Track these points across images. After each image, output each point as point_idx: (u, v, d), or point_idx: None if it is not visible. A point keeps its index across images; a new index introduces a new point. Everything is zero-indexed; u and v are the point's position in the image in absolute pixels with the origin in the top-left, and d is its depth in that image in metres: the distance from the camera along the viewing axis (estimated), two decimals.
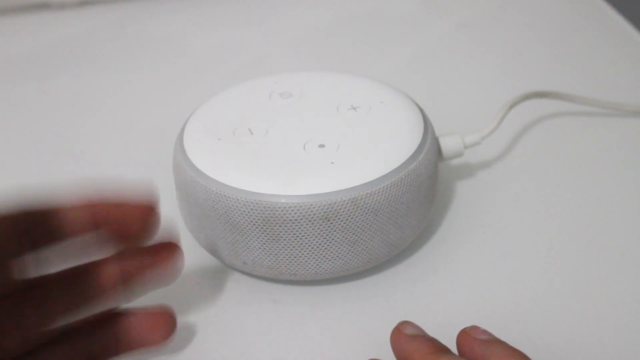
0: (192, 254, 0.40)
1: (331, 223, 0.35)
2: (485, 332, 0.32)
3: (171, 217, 0.42)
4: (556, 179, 0.45)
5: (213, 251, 0.38)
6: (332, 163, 0.36)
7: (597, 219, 0.42)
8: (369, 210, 0.36)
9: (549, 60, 0.57)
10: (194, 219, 0.38)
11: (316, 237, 0.36)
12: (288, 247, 0.36)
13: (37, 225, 0.29)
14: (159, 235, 0.42)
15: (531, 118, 0.50)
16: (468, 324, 0.36)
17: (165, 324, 0.34)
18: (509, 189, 0.44)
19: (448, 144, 0.42)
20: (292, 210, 0.35)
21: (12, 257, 0.29)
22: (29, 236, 0.29)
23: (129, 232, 0.31)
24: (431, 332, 0.36)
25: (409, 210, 0.37)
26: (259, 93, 0.42)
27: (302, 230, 0.35)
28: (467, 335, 0.32)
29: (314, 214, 0.35)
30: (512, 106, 0.45)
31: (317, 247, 0.36)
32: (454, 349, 0.35)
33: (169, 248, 0.33)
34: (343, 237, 0.36)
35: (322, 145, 0.37)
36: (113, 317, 0.33)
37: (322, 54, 0.60)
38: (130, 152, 0.49)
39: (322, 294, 0.38)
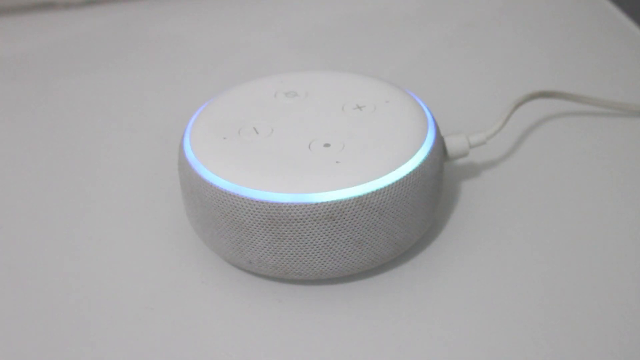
0: (197, 253, 0.40)
1: (336, 222, 0.35)
2: None
3: (176, 216, 0.42)
4: (562, 179, 0.45)
5: (218, 250, 0.38)
6: (337, 162, 0.36)
7: (604, 219, 0.42)
8: (374, 209, 0.36)
9: (555, 60, 0.57)
10: (198, 217, 0.38)
11: (321, 236, 0.36)
12: (293, 246, 0.36)
13: None
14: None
15: (537, 118, 0.50)
16: (473, 324, 0.36)
17: None
18: (514, 189, 0.44)
19: (453, 143, 0.42)
20: (297, 210, 0.35)
21: None
22: None
23: None
24: (436, 332, 0.36)
25: (414, 210, 0.37)
26: (264, 92, 0.42)
27: (307, 230, 0.35)
28: None
29: (319, 213, 0.35)
30: (517, 106, 0.45)
31: (322, 247, 0.36)
32: (457, 347, 0.35)
33: None
34: (348, 236, 0.36)
35: (327, 145, 0.37)
36: None
37: (328, 54, 0.60)
38: (135, 150, 0.49)
39: (327, 294, 0.38)
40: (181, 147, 0.39)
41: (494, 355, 0.35)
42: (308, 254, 0.36)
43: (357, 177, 0.36)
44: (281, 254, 0.36)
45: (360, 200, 0.35)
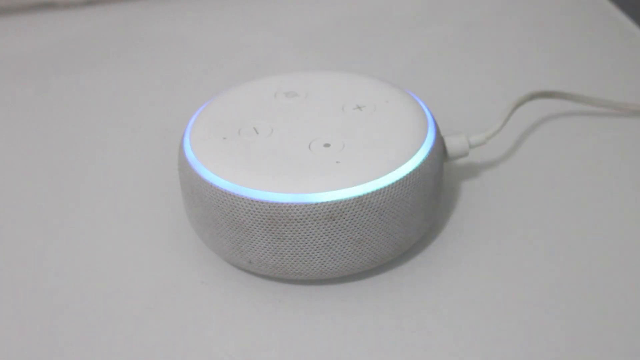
0: (197, 253, 0.40)
1: (336, 222, 0.35)
2: None
3: (176, 216, 0.42)
4: (562, 179, 0.45)
5: (218, 250, 0.38)
6: (337, 162, 0.36)
7: (604, 220, 0.42)
8: (374, 209, 0.36)
9: (555, 60, 0.57)
10: (199, 217, 0.38)
11: (321, 236, 0.36)
12: (293, 247, 0.36)
13: None
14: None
15: (537, 118, 0.50)
16: (473, 323, 0.36)
17: None
18: (514, 189, 0.44)
19: (453, 143, 0.42)
20: (297, 210, 0.35)
21: None
22: None
23: None
24: (437, 331, 0.36)
25: (414, 210, 0.37)
26: (264, 92, 0.42)
27: (307, 230, 0.35)
28: None
29: (319, 213, 0.35)
30: (517, 106, 0.45)
31: (322, 247, 0.36)
32: (457, 348, 0.35)
33: None
34: (348, 236, 0.36)
35: (327, 145, 0.37)
36: None
37: (328, 54, 0.60)
38: (136, 150, 0.49)
39: (327, 294, 0.38)
40: (181, 147, 0.39)
41: (494, 355, 0.35)
42: (308, 254, 0.36)
43: (357, 177, 0.36)
44: (281, 254, 0.36)
45: (360, 200, 0.35)
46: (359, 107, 0.40)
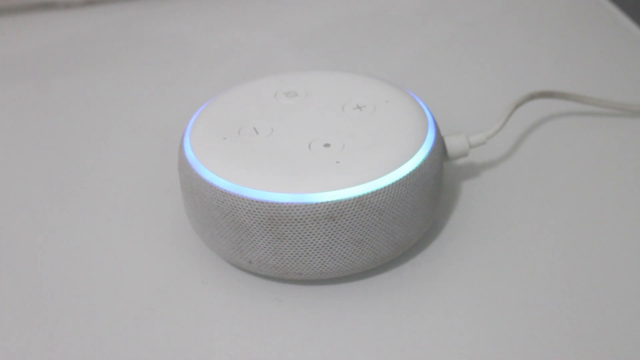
0: (197, 253, 0.40)
1: (336, 222, 0.35)
2: None
3: (176, 216, 0.42)
4: (562, 179, 0.45)
5: (218, 250, 0.38)
6: (337, 162, 0.36)
7: (604, 220, 0.42)
8: (374, 209, 0.36)
9: (555, 60, 0.57)
10: (199, 217, 0.38)
11: (321, 236, 0.36)
12: (293, 247, 0.36)
13: None
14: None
15: (537, 118, 0.49)
16: (473, 323, 0.36)
17: None
18: (514, 189, 0.44)
19: (453, 143, 0.42)
20: (297, 210, 0.35)
21: None
22: None
23: None
24: (436, 332, 0.36)
25: (414, 210, 0.37)
26: (264, 92, 0.42)
27: (307, 230, 0.35)
28: None
29: (319, 213, 0.35)
30: (517, 106, 0.45)
31: (322, 247, 0.36)
32: (457, 347, 0.35)
33: None
34: (348, 236, 0.36)
35: (327, 145, 0.37)
36: None
37: (328, 54, 0.60)
38: (135, 150, 0.49)
39: (327, 294, 0.38)
40: (181, 147, 0.39)
41: (494, 355, 0.35)
42: (308, 254, 0.36)
43: (357, 177, 0.36)
44: (281, 254, 0.36)
45: (360, 200, 0.35)
46: (359, 107, 0.40)
